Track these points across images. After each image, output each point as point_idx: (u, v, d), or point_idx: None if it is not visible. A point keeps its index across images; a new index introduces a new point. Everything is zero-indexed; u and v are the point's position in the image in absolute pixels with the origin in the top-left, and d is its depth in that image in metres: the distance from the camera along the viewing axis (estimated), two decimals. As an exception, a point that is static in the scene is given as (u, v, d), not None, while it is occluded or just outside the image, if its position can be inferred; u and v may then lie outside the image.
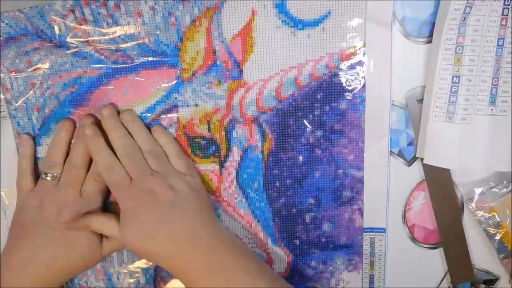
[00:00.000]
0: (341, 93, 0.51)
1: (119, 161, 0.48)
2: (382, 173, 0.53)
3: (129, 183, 0.47)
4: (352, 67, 0.50)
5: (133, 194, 0.47)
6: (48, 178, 0.49)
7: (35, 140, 0.53)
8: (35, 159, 0.53)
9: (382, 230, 0.55)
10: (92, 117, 0.51)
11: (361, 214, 0.54)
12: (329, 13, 0.49)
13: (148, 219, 0.46)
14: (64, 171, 0.50)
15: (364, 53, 0.50)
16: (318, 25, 0.49)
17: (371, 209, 0.54)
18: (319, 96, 0.51)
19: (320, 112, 0.52)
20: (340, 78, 0.51)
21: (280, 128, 0.52)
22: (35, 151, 0.53)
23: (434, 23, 0.48)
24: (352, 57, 0.50)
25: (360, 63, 0.50)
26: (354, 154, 0.53)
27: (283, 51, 0.50)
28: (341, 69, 0.50)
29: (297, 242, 0.56)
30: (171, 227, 0.46)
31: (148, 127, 0.52)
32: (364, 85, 0.51)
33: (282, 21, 0.49)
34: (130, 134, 0.50)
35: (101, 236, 0.51)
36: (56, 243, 0.48)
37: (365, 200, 0.54)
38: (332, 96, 0.51)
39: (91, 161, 0.50)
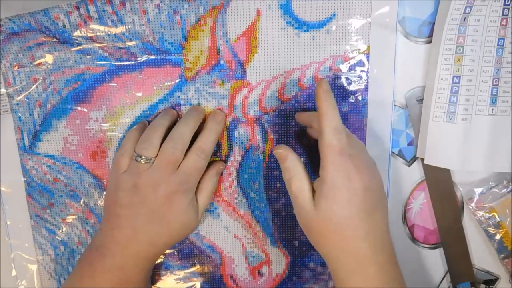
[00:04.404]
0: (344, 96, 0.52)
1: None
2: (382, 176, 0.53)
3: (349, 155, 0.43)
4: (355, 70, 0.51)
5: (356, 169, 0.42)
6: (142, 161, 0.47)
7: (37, 135, 0.53)
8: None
9: (381, 233, 0.55)
10: None
11: (360, 216, 0.54)
12: (334, 15, 0.49)
13: (361, 204, 0.42)
14: (161, 152, 0.47)
15: (367, 57, 0.50)
16: (322, 27, 0.50)
17: (370, 212, 0.54)
18: (321, 98, 0.52)
19: (322, 113, 0.52)
20: (343, 81, 0.51)
21: (282, 129, 0.53)
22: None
23: (434, 23, 0.49)
24: (356, 60, 0.51)
25: (363, 66, 0.51)
26: (354, 157, 0.53)
27: (287, 53, 0.51)
28: (344, 72, 0.51)
29: (296, 243, 0.56)
30: (373, 224, 0.43)
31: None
32: (367, 88, 0.51)
33: (287, 22, 0.50)
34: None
35: (197, 205, 0.50)
36: (157, 223, 0.47)
37: (364, 203, 0.54)
38: (335, 98, 0.52)
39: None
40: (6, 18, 0.50)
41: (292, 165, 0.45)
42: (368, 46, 0.50)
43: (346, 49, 0.50)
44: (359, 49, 0.50)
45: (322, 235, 0.44)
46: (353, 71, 0.51)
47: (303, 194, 0.44)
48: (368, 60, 0.51)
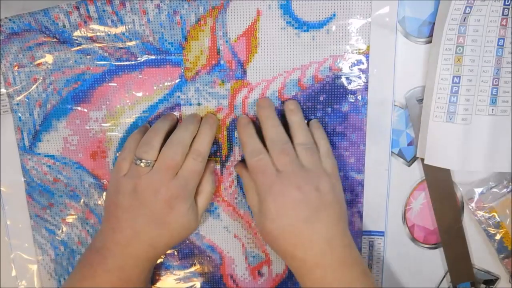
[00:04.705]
0: (344, 95, 0.52)
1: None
2: (382, 176, 0.53)
3: (276, 173, 0.46)
4: (355, 70, 0.51)
5: (280, 185, 0.46)
6: (142, 164, 0.47)
7: (37, 135, 0.53)
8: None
9: (381, 234, 0.55)
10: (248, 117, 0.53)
11: (361, 217, 0.54)
12: (334, 15, 0.49)
13: (292, 216, 0.45)
14: (161, 156, 0.47)
15: (367, 57, 0.50)
16: (322, 27, 0.50)
17: (371, 212, 0.54)
18: (321, 98, 0.52)
19: (322, 114, 0.52)
20: (343, 81, 0.51)
21: (282, 128, 0.53)
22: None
23: (434, 23, 0.49)
24: (356, 60, 0.51)
25: (363, 66, 0.51)
26: (355, 157, 0.53)
27: (287, 53, 0.51)
28: (344, 72, 0.51)
29: (297, 243, 0.56)
30: (314, 231, 0.45)
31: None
32: (366, 88, 0.51)
33: (287, 22, 0.50)
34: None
35: (196, 208, 0.51)
36: (157, 225, 0.47)
37: (364, 203, 0.54)
38: (335, 98, 0.52)
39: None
40: (6, 18, 0.50)
41: (246, 181, 0.50)
42: (368, 46, 0.50)
43: (346, 49, 0.50)
44: (359, 49, 0.50)
45: (269, 244, 0.48)
46: (353, 71, 0.51)
47: (253, 208, 0.49)
48: (368, 60, 0.50)
